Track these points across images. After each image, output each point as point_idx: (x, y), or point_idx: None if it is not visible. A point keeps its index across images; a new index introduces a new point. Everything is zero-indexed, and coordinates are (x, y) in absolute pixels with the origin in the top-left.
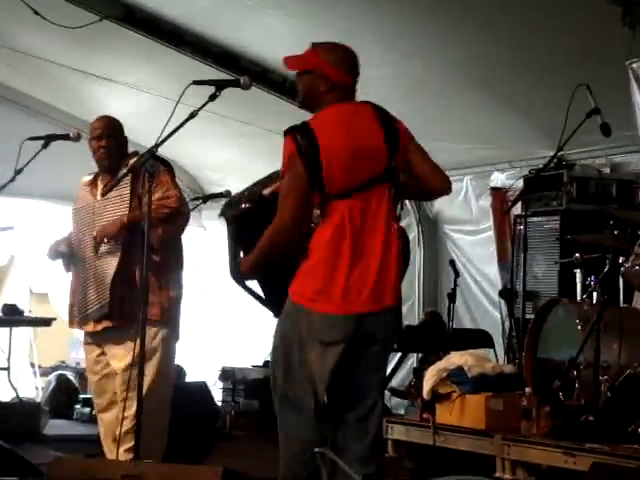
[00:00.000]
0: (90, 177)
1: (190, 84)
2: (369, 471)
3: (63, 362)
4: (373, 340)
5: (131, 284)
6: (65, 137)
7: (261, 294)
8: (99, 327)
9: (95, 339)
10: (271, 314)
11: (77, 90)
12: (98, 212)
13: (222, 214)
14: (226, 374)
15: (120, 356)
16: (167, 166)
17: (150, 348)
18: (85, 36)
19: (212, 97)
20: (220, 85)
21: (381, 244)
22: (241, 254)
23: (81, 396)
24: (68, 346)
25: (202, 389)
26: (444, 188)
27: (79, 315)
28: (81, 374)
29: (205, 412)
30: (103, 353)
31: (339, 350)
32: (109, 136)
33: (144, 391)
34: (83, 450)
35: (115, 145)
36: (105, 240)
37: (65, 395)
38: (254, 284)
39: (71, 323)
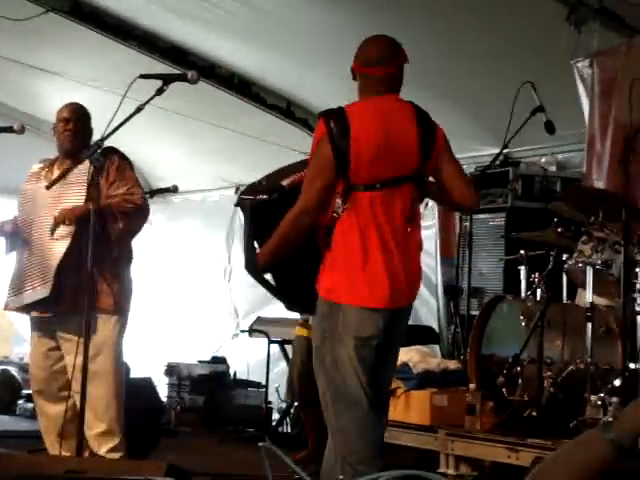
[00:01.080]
0: (41, 165)
1: (136, 78)
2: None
3: (6, 357)
4: (395, 337)
5: (77, 275)
6: (9, 129)
7: (273, 284)
8: (43, 313)
9: (44, 330)
10: (282, 305)
11: (22, 83)
12: (56, 195)
13: (238, 204)
14: (171, 370)
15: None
16: (129, 162)
17: (107, 338)
18: (30, 29)
19: (159, 91)
20: (167, 79)
21: (403, 243)
22: (256, 245)
23: (24, 392)
24: (11, 341)
25: (147, 385)
26: (471, 204)
27: (15, 297)
28: (25, 369)
29: (150, 408)
30: (56, 348)
31: (374, 345)
32: (77, 120)
33: (113, 381)
34: (26, 446)
35: (82, 131)
36: (66, 222)
37: (8, 391)
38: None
39: (5, 306)
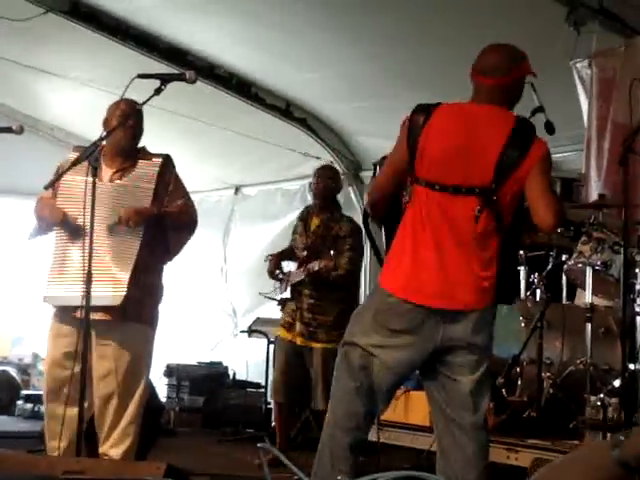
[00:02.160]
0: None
1: (134, 78)
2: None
3: (5, 358)
4: (454, 344)
5: (137, 283)
6: (8, 130)
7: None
8: (96, 316)
9: (77, 331)
10: None
11: (21, 84)
12: (119, 195)
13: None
14: (171, 370)
15: (108, 357)
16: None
17: (143, 349)
18: (29, 29)
19: (157, 91)
20: (165, 79)
21: (463, 252)
22: None
23: (23, 392)
24: (10, 342)
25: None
26: (547, 228)
27: (66, 290)
28: (24, 370)
29: (149, 408)
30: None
31: (405, 342)
32: (136, 117)
33: (140, 391)
34: (25, 446)
35: (138, 129)
36: (130, 223)
37: (7, 391)
38: None
39: (49, 300)
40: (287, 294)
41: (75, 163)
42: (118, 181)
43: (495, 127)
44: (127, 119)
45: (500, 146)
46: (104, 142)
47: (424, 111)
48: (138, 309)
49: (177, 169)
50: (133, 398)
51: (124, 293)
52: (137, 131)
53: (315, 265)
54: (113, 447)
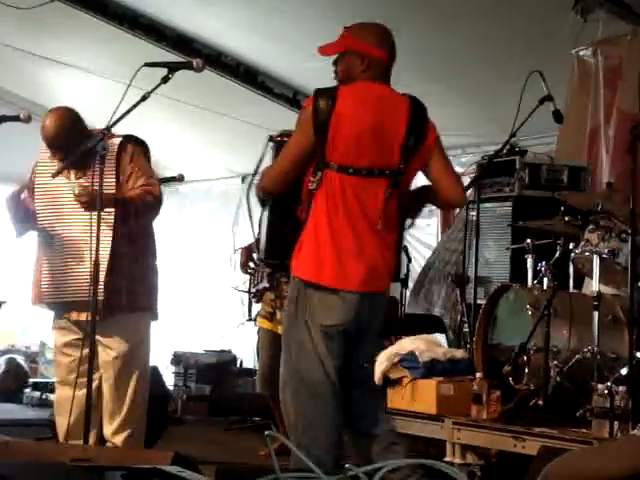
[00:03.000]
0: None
1: (142, 66)
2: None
3: (13, 346)
4: (370, 322)
5: (119, 274)
6: (15, 118)
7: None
8: (83, 317)
9: (74, 326)
10: None
11: (28, 72)
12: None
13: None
14: (178, 358)
15: (111, 347)
16: (145, 149)
17: (142, 335)
18: (36, 17)
19: (164, 79)
20: (172, 67)
21: (377, 235)
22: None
23: (31, 380)
24: (18, 330)
25: (153, 373)
26: (456, 202)
27: (56, 298)
28: (31, 358)
29: (156, 396)
30: (81, 339)
31: (341, 330)
32: (60, 146)
33: (137, 377)
34: (33, 434)
35: (72, 146)
36: (82, 201)
37: (15, 379)
38: None
39: (38, 300)
40: (264, 284)
41: (83, 154)
42: (81, 180)
43: (396, 108)
44: (54, 150)
45: (404, 126)
46: None
47: (327, 95)
48: (130, 298)
49: (180, 157)
50: (130, 385)
51: (101, 297)
52: (69, 150)
53: None
54: (115, 434)
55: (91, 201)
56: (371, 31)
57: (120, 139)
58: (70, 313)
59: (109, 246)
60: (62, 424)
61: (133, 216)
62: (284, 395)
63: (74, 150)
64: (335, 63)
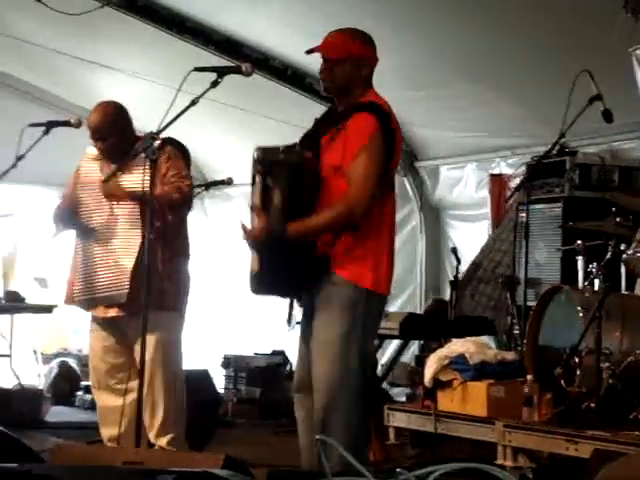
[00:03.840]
0: (97, 152)
1: (191, 71)
2: None
3: (65, 349)
4: None
5: (147, 271)
6: (66, 123)
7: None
8: (110, 313)
9: (106, 326)
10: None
11: (78, 77)
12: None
13: (270, 160)
14: (228, 361)
15: (136, 350)
16: (183, 152)
17: (171, 335)
18: (86, 23)
19: (213, 84)
20: (221, 72)
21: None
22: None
23: (83, 383)
24: (70, 333)
25: (204, 377)
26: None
27: (84, 295)
28: (83, 361)
29: (207, 399)
30: (116, 344)
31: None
32: (104, 137)
33: (170, 377)
34: (85, 437)
35: (115, 140)
36: (109, 195)
37: (67, 382)
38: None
39: (69, 300)
40: None
41: (132, 157)
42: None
43: None
44: (96, 142)
45: None
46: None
47: (383, 117)
48: (159, 296)
49: (229, 161)
50: (164, 387)
51: (126, 290)
52: (113, 144)
53: None
54: (158, 437)
55: (108, 193)
56: (370, 38)
57: (160, 141)
58: (97, 309)
59: (137, 242)
60: (109, 435)
61: (158, 212)
62: (337, 398)
63: (117, 144)
64: (332, 63)
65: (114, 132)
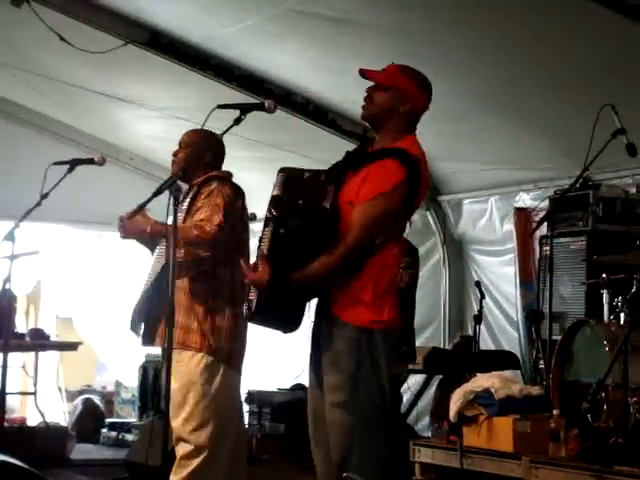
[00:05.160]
0: None
1: (215, 108)
2: None
3: (89, 386)
4: None
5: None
6: (90, 161)
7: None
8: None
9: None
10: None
11: (102, 114)
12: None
13: (280, 219)
14: (252, 397)
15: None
16: (234, 191)
17: (191, 374)
18: (111, 60)
19: (237, 121)
20: (245, 109)
21: None
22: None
23: (107, 420)
24: (93, 370)
25: None
26: None
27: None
28: (107, 398)
29: None
30: None
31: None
32: (186, 147)
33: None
34: (110, 474)
35: (189, 156)
36: (120, 231)
37: (92, 419)
38: None
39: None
40: None
41: (156, 194)
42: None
43: None
44: (178, 150)
45: None
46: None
47: (410, 164)
48: (184, 334)
49: (252, 197)
50: (180, 424)
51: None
52: (185, 158)
53: None
54: (175, 475)
55: (120, 226)
56: (424, 80)
57: (207, 175)
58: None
59: (154, 275)
60: None
61: (178, 248)
62: (353, 442)
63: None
64: (374, 89)
65: (193, 145)
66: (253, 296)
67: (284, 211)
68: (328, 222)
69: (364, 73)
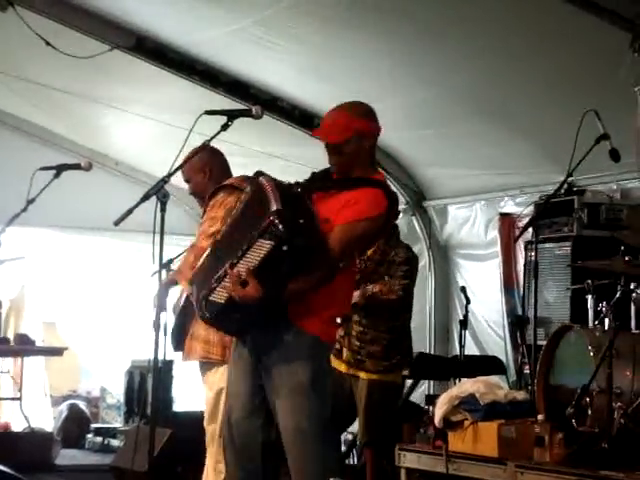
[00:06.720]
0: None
1: (202, 114)
2: None
3: (74, 391)
4: None
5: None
6: (76, 167)
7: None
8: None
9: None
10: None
11: (88, 119)
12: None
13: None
14: None
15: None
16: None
17: (221, 385)
18: (96, 65)
19: (224, 127)
20: (232, 115)
21: None
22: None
23: (93, 425)
24: (78, 375)
25: None
26: None
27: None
28: (93, 403)
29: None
30: None
31: None
32: (189, 180)
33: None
34: (95, 479)
35: (196, 186)
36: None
37: (77, 424)
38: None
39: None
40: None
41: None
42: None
43: None
44: (188, 183)
45: None
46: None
47: (392, 198)
48: (204, 347)
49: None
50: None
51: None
52: (197, 187)
53: (370, 289)
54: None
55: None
56: (367, 108)
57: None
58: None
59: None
60: None
61: None
62: (309, 442)
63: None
64: (332, 147)
65: (196, 173)
66: (215, 298)
67: (291, 229)
68: (324, 243)
69: (317, 135)
